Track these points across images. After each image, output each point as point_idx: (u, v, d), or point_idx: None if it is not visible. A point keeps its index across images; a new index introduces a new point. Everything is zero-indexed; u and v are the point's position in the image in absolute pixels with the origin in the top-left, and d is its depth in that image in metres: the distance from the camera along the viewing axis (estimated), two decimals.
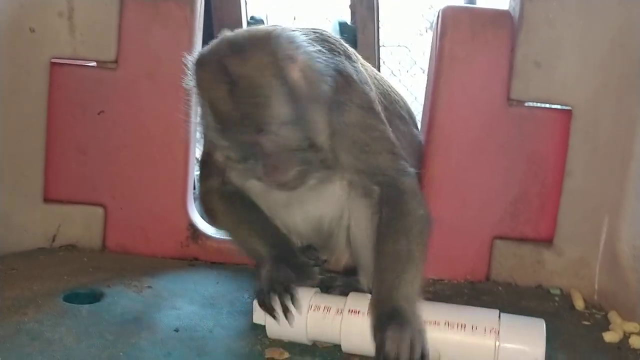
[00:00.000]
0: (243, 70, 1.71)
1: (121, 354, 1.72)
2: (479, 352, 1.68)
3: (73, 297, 2.04)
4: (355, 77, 1.95)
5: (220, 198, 2.06)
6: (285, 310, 1.83)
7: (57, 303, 1.98)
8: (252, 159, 1.80)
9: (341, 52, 1.99)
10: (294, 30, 1.81)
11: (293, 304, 1.83)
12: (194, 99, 1.90)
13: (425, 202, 1.93)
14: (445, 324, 1.70)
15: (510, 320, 1.72)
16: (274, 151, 1.75)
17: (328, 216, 2.05)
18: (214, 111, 1.76)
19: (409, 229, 1.83)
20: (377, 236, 1.85)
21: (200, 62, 1.80)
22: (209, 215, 2.19)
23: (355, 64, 2.03)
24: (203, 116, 1.87)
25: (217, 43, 1.81)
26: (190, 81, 1.84)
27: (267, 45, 1.74)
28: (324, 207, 2.03)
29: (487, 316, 1.74)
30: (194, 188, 2.70)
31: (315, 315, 1.82)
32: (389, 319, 1.68)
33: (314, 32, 1.96)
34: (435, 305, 1.85)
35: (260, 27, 1.99)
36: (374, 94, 2.02)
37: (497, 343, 1.66)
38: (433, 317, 1.73)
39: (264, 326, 1.89)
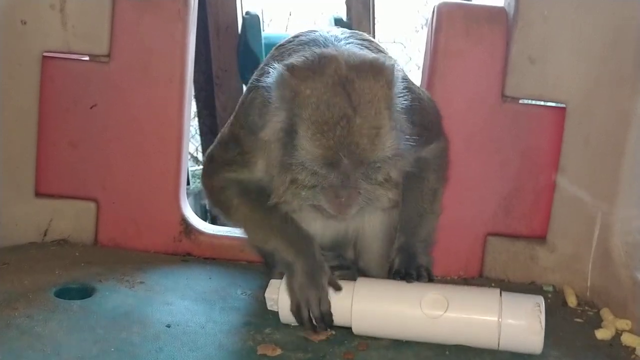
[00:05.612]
0: (366, 97, 1.58)
1: (112, 349, 1.71)
2: (484, 299, 1.79)
3: (64, 292, 2.03)
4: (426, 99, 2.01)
5: (240, 193, 1.94)
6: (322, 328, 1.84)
7: (48, 298, 1.96)
8: (320, 186, 1.65)
9: (408, 78, 1.94)
10: (391, 60, 1.72)
11: (328, 322, 1.82)
12: (274, 110, 1.68)
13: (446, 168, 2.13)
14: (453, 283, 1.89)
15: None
16: (358, 185, 1.63)
17: (351, 227, 2.06)
18: (313, 132, 1.58)
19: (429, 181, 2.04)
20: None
21: (311, 77, 1.61)
22: (224, 210, 2.01)
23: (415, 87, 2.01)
24: (283, 132, 1.65)
25: (325, 58, 1.65)
26: (282, 91, 1.63)
27: (382, 74, 1.63)
28: (350, 219, 1.96)
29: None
30: (188, 183, 2.68)
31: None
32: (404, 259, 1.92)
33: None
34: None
35: (361, 50, 1.83)
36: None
37: (501, 293, 1.80)
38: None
39: (256, 322, 1.90)
